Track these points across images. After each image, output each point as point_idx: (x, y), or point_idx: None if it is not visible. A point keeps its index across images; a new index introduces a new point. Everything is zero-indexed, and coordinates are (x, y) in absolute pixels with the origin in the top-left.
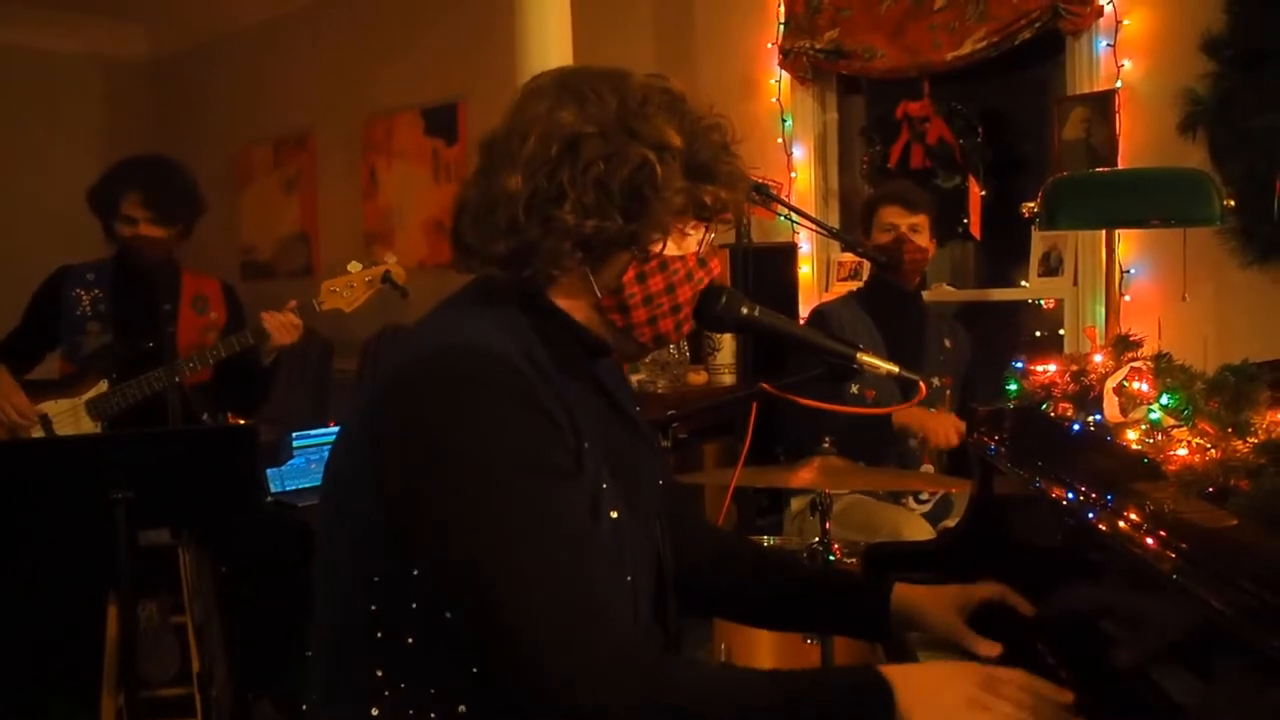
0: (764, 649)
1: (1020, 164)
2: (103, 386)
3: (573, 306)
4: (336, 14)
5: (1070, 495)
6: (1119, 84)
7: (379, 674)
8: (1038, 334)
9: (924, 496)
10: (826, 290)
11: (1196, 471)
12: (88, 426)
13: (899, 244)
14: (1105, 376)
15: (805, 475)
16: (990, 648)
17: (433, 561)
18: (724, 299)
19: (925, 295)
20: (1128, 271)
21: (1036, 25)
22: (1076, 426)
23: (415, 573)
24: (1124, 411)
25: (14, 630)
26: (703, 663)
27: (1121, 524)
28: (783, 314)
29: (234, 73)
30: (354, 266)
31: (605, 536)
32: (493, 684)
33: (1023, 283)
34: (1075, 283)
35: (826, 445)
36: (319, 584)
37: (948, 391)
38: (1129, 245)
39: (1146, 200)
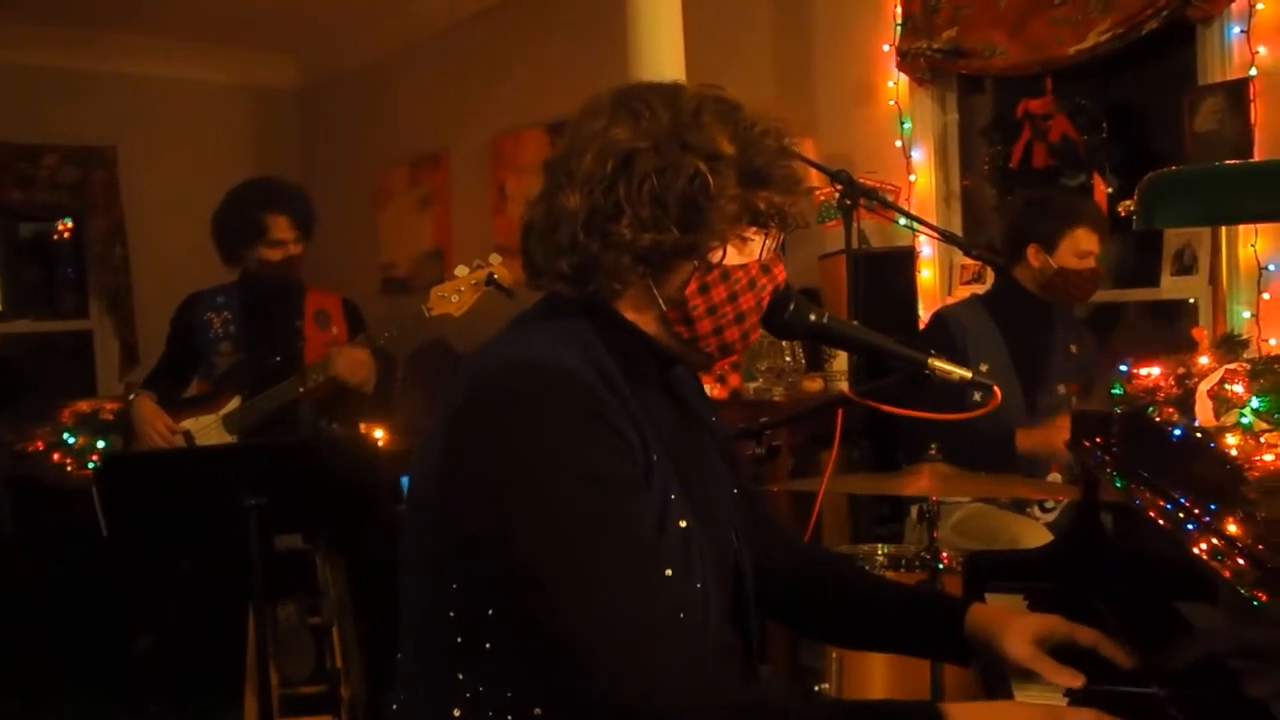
0: (876, 662)
1: (1154, 159)
2: (236, 402)
3: (640, 318)
4: (464, 39)
5: (1168, 506)
6: (1254, 71)
7: (460, 677)
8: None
9: (1049, 505)
10: (949, 294)
11: None
12: (227, 439)
13: (1094, 274)
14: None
15: (916, 483)
16: (1071, 679)
17: (504, 572)
18: (792, 306)
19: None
20: (1266, 268)
21: (1164, 14)
22: (1179, 431)
23: (491, 580)
24: (1218, 415)
25: (165, 631)
26: (766, 685)
27: (1213, 540)
28: (900, 319)
29: (373, 99)
30: (460, 270)
31: (674, 546)
32: (553, 692)
33: (1157, 283)
34: (1210, 281)
35: (933, 452)
36: (404, 589)
37: (1074, 398)
38: (1268, 241)
39: (1253, 195)
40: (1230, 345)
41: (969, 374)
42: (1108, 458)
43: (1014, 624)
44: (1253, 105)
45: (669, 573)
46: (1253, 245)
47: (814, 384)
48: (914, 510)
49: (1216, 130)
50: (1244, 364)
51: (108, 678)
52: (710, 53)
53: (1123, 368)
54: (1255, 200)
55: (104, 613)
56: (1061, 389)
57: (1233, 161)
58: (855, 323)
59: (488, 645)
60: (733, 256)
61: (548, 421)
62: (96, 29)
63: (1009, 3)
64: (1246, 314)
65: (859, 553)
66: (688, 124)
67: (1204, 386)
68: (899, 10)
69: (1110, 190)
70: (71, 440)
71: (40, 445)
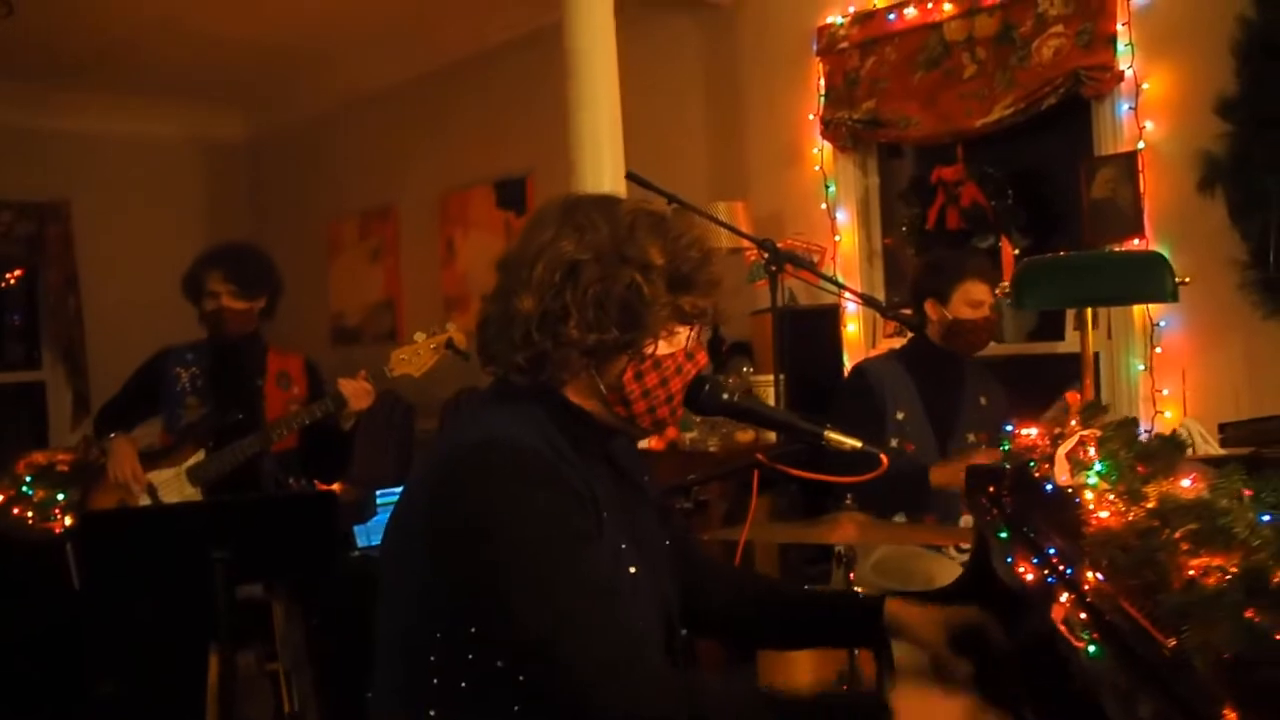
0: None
1: (1058, 220)
2: (201, 455)
3: (584, 401)
4: (410, 96)
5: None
6: (1141, 145)
7: (432, 713)
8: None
9: (965, 546)
10: (874, 346)
11: (1110, 533)
12: (189, 491)
13: (988, 322)
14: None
15: (832, 531)
16: (963, 668)
17: (491, 624)
18: (707, 387)
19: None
20: (1158, 325)
21: (1060, 91)
22: (1049, 487)
23: (473, 630)
24: (1073, 475)
25: (127, 677)
26: (726, 682)
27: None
28: (825, 370)
29: (323, 152)
30: (419, 336)
31: (625, 587)
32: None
33: (1062, 336)
34: (1109, 336)
35: (848, 502)
36: (382, 632)
37: (983, 447)
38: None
39: (1106, 281)
40: (1092, 411)
41: (860, 444)
42: (995, 510)
43: (922, 614)
44: (1141, 175)
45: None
46: (1146, 305)
47: (746, 435)
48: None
49: (1110, 198)
50: (1095, 430)
51: None
52: (647, 119)
53: (1008, 426)
54: (1108, 286)
55: (66, 659)
56: (971, 437)
57: (1094, 251)
58: (761, 401)
59: (463, 684)
60: (662, 347)
61: (518, 486)
62: (49, 87)
63: (922, 78)
64: (1140, 366)
65: None
66: (624, 237)
67: (1062, 450)
68: (822, 82)
69: (1017, 251)
70: (29, 492)
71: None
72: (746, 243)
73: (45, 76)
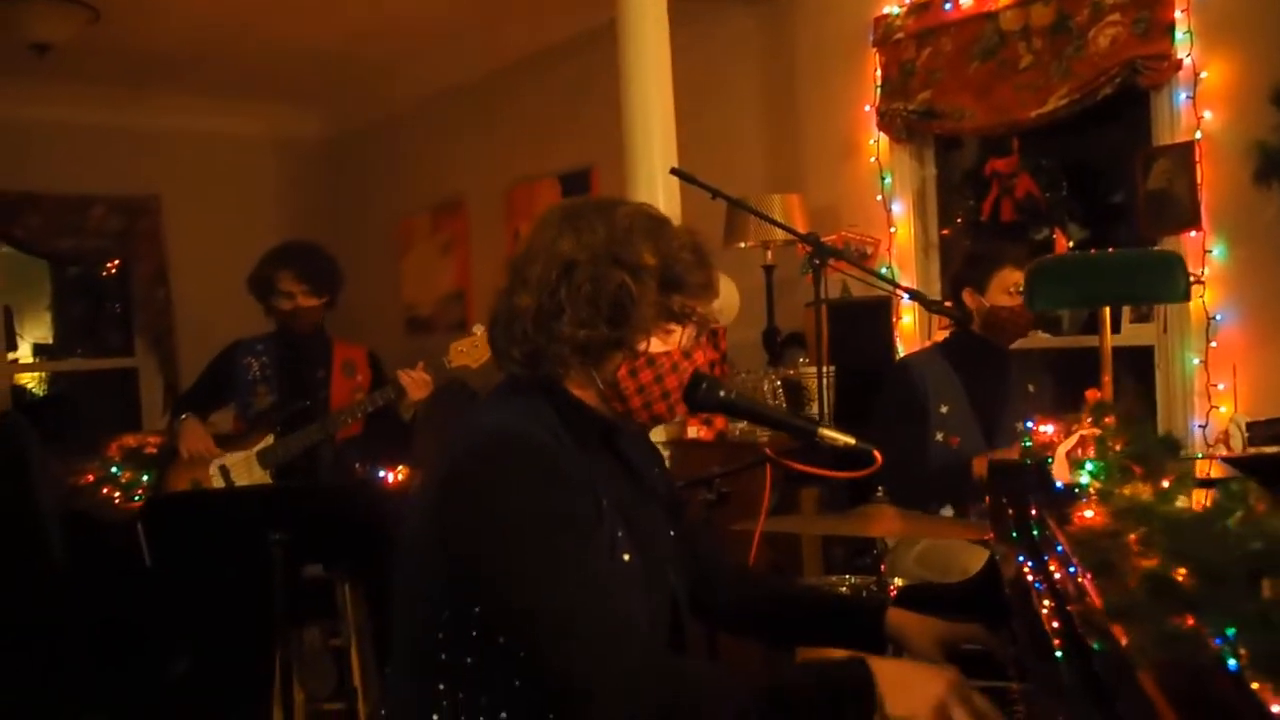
0: None
1: (1115, 212)
2: (270, 440)
3: (584, 394)
4: (481, 94)
5: (1031, 564)
6: (1198, 135)
7: (441, 687)
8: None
9: None
10: (929, 338)
11: (1086, 534)
12: (259, 473)
13: (1025, 310)
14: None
15: (859, 524)
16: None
17: (492, 603)
18: (704, 386)
19: (1022, 343)
20: (1214, 318)
21: (1117, 81)
22: (1059, 486)
23: (477, 610)
24: (1071, 474)
25: (199, 653)
26: (718, 667)
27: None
28: (877, 363)
29: (395, 149)
30: (478, 329)
31: (620, 574)
32: (549, 695)
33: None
34: (1165, 330)
35: (879, 494)
36: (398, 614)
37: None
38: (1217, 292)
39: (1117, 281)
40: (1101, 410)
41: (853, 441)
42: (1012, 510)
43: (921, 626)
44: (1198, 166)
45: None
46: (1201, 298)
47: None
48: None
49: (1166, 189)
50: (1095, 429)
51: (146, 697)
52: (704, 113)
53: (1028, 423)
54: (1119, 285)
55: (145, 636)
56: (1020, 427)
57: (1112, 250)
58: (756, 400)
59: (469, 660)
60: (657, 345)
61: (520, 477)
62: (140, 89)
63: (977, 69)
64: (1196, 360)
65: (827, 583)
66: (619, 239)
67: (1062, 449)
68: (879, 74)
69: (1071, 244)
70: (118, 473)
71: (90, 478)
72: (812, 233)
73: (136, 79)
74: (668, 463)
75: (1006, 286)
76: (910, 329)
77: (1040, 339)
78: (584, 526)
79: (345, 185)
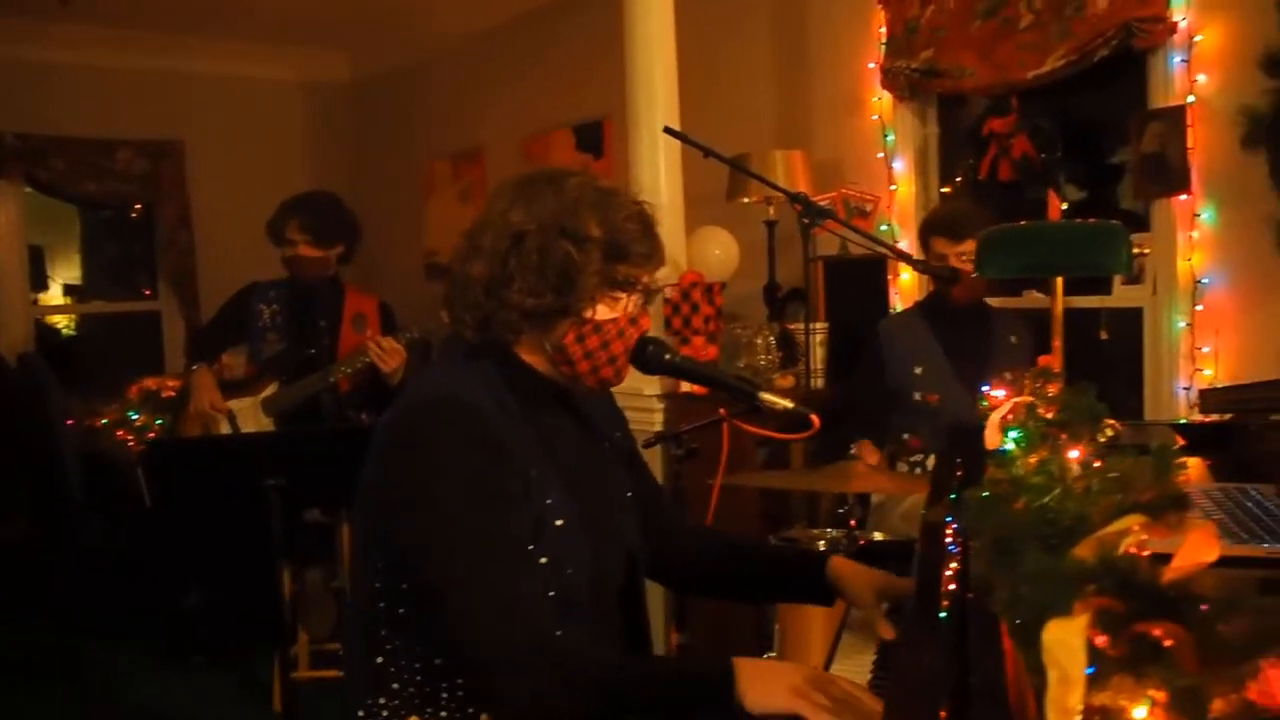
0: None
1: (1114, 174)
2: (274, 388)
3: (534, 359)
4: (499, 42)
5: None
6: (1191, 99)
7: (383, 633)
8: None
9: None
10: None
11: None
12: (264, 420)
13: (953, 273)
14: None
15: (823, 480)
16: (887, 631)
17: (412, 555)
18: (650, 348)
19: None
20: (1201, 281)
21: (1113, 43)
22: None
23: (403, 563)
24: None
25: (211, 589)
26: (604, 651)
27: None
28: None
29: (419, 95)
30: None
31: (550, 540)
32: (444, 646)
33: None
34: (1155, 291)
35: (854, 451)
36: (350, 563)
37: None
38: (1205, 255)
39: (1064, 251)
40: (1043, 376)
41: (791, 405)
42: (960, 471)
43: (859, 577)
44: (1190, 130)
45: (544, 560)
46: (1189, 259)
47: (785, 381)
48: (874, 497)
49: (1159, 152)
50: (1027, 397)
51: (159, 628)
52: (711, 68)
53: (984, 386)
54: (1065, 255)
55: (158, 572)
56: (1009, 377)
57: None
58: (699, 362)
59: (401, 611)
60: (604, 312)
61: (448, 445)
62: (165, 31)
63: (979, 27)
64: (1182, 323)
65: (806, 536)
66: (567, 211)
67: (996, 415)
68: (884, 31)
69: (1065, 205)
70: (135, 416)
71: (106, 420)
72: (802, 192)
73: (162, 22)
74: (662, 415)
75: (935, 253)
76: (909, 285)
77: (1034, 298)
78: (503, 495)
79: (370, 130)
